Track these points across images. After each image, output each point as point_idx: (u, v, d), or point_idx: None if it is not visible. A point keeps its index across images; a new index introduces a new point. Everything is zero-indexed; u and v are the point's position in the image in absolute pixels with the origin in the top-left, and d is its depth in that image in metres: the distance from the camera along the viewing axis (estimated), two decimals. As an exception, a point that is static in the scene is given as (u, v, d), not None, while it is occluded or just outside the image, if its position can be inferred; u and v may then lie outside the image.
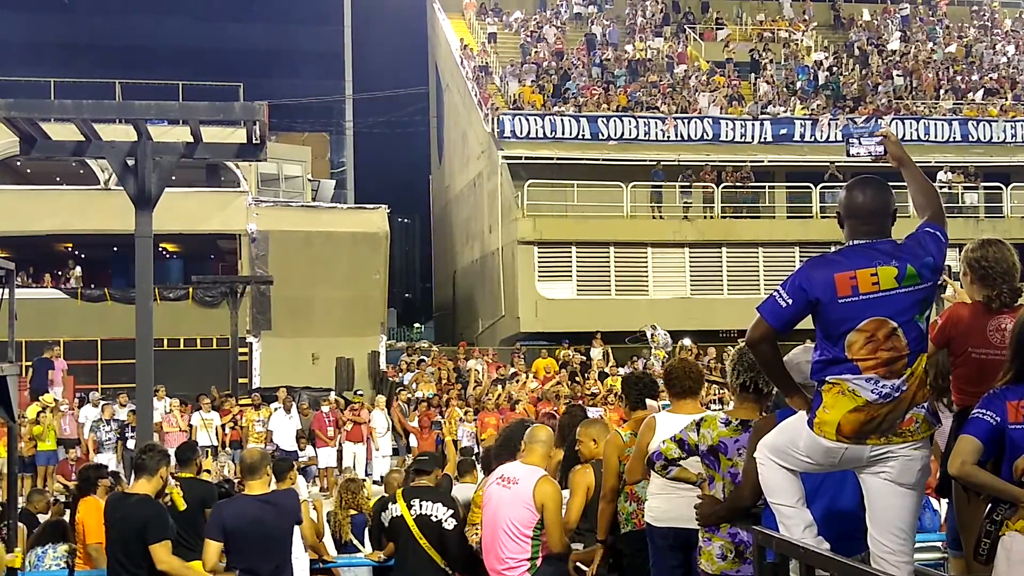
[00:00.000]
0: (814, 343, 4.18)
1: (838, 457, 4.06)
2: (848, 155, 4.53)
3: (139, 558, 6.63)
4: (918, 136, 33.10)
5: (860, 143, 4.43)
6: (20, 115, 7.79)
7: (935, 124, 33.68)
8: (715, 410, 5.95)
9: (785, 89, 35.47)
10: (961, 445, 3.87)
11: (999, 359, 4.33)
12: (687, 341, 26.63)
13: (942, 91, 35.85)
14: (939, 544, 9.06)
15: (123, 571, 6.75)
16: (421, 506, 7.10)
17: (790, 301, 4.03)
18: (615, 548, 6.51)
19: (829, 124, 32.62)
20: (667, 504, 5.82)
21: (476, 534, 7.17)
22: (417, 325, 50.09)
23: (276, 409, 20.11)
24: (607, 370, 24.50)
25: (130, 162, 7.76)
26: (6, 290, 9.26)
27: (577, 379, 24.04)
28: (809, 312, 4.05)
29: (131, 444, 17.43)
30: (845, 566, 3.66)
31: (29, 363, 22.71)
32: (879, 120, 32.57)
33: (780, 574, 4.07)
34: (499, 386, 22.90)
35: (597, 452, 6.78)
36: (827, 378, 4.05)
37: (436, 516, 7.07)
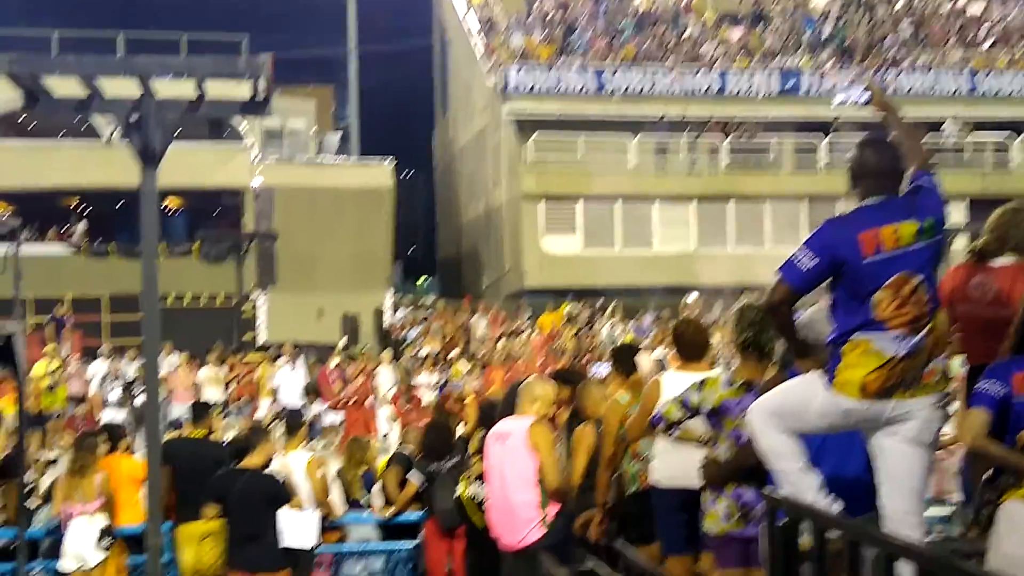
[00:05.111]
0: (828, 303, 4.15)
1: (856, 417, 4.04)
2: (834, 104, 4.56)
3: (267, 519, 7.93)
4: (926, 88, 32.80)
5: (846, 90, 4.49)
6: (23, 70, 7.69)
7: (943, 76, 33.35)
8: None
9: (792, 41, 35.13)
10: (971, 419, 3.87)
11: (978, 315, 4.35)
12: (693, 296, 26.58)
13: (950, 42, 35.49)
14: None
15: (247, 533, 7.89)
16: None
17: (814, 262, 3.99)
18: (620, 509, 6.57)
19: (836, 76, 32.31)
20: (672, 464, 5.83)
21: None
22: (421, 279, 50.03)
23: (282, 365, 20.11)
24: (615, 320, 24.50)
25: (134, 118, 7.68)
26: (13, 245, 9.29)
27: (583, 334, 24.03)
28: (832, 273, 4.01)
29: (139, 401, 17.47)
30: (859, 528, 3.66)
31: (38, 319, 22.75)
32: (884, 74, 32.30)
33: (790, 536, 4.06)
34: (504, 341, 22.91)
35: (597, 411, 6.85)
36: (851, 337, 4.02)
37: (480, 496, 7.74)
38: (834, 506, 4.17)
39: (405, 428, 14.50)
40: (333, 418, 18.89)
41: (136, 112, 7.56)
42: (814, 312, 4.61)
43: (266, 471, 8.27)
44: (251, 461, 8.20)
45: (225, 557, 8.16)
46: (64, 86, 7.82)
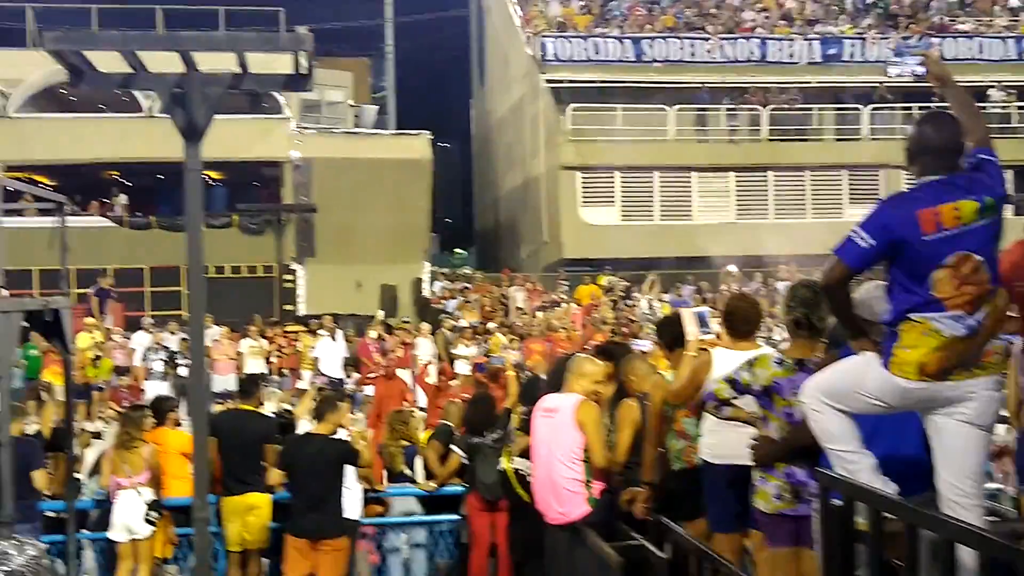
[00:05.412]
0: (886, 282, 4.08)
1: (914, 398, 3.98)
2: (888, 75, 4.46)
3: (334, 484, 8.10)
4: (971, 55, 32.19)
5: (902, 61, 4.38)
6: (68, 47, 7.68)
7: (989, 42, 32.72)
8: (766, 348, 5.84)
9: (834, 8, 34.59)
10: None
11: None
12: (732, 267, 26.41)
13: (997, 7, 34.79)
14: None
15: (312, 500, 8.03)
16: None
17: (873, 242, 3.92)
18: (664, 487, 6.52)
19: (879, 43, 31.78)
20: (724, 441, 5.78)
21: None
22: (459, 251, 50.04)
23: (322, 336, 20.21)
24: (652, 297, 24.39)
25: (177, 92, 7.66)
26: (57, 220, 9.39)
27: (620, 306, 23.94)
28: (890, 253, 3.94)
29: (182, 372, 17.63)
30: (914, 511, 3.60)
31: (82, 290, 22.94)
32: (929, 40, 31.73)
33: (845, 517, 4.01)
34: (542, 313, 22.87)
35: (642, 387, 6.80)
36: (909, 317, 3.95)
37: (523, 470, 7.83)
38: (888, 487, 4.11)
39: (436, 402, 14.51)
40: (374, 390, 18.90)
41: (179, 87, 7.55)
42: (868, 290, 4.54)
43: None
44: (320, 429, 8.34)
45: (287, 525, 8.25)
46: (106, 60, 7.81)
